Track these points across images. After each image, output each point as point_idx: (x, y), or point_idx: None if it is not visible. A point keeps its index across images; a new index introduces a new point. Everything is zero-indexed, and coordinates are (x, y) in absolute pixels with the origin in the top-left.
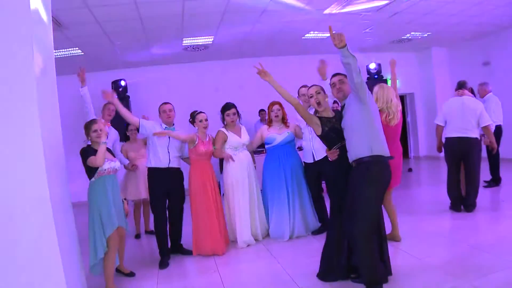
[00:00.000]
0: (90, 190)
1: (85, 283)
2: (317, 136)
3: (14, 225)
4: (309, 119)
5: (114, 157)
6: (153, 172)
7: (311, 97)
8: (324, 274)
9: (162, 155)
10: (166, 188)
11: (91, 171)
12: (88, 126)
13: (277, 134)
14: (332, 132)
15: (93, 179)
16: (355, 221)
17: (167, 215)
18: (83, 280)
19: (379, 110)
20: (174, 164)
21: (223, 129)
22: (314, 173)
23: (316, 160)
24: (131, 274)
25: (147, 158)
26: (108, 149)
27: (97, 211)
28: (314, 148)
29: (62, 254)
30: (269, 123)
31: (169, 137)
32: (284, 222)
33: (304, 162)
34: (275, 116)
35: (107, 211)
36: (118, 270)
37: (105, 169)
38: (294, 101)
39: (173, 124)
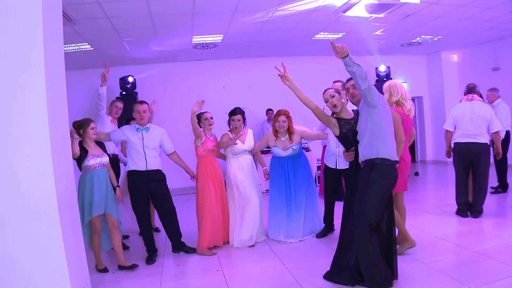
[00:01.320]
0: (79, 181)
1: (89, 279)
2: (336, 137)
3: (18, 221)
4: (327, 121)
5: (105, 152)
6: (131, 175)
7: (326, 101)
8: (332, 274)
9: (137, 157)
10: (147, 191)
11: (79, 165)
12: (87, 122)
13: (282, 150)
14: (350, 134)
15: (81, 172)
16: (356, 222)
17: (160, 217)
18: (87, 276)
19: (398, 104)
20: (152, 166)
21: (228, 133)
22: (333, 176)
23: (337, 168)
24: (134, 266)
25: (128, 162)
26: (99, 144)
27: (80, 200)
28: (339, 155)
29: (67, 250)
30: (275, 133)
31: (142, 137)
32: (281, 224)
33: (326, 165)
34: (279, 127)
35: (88, 202)
36: (120, 266)
37: (89, 165)
38: (312, 105)
39: (148, 122)
